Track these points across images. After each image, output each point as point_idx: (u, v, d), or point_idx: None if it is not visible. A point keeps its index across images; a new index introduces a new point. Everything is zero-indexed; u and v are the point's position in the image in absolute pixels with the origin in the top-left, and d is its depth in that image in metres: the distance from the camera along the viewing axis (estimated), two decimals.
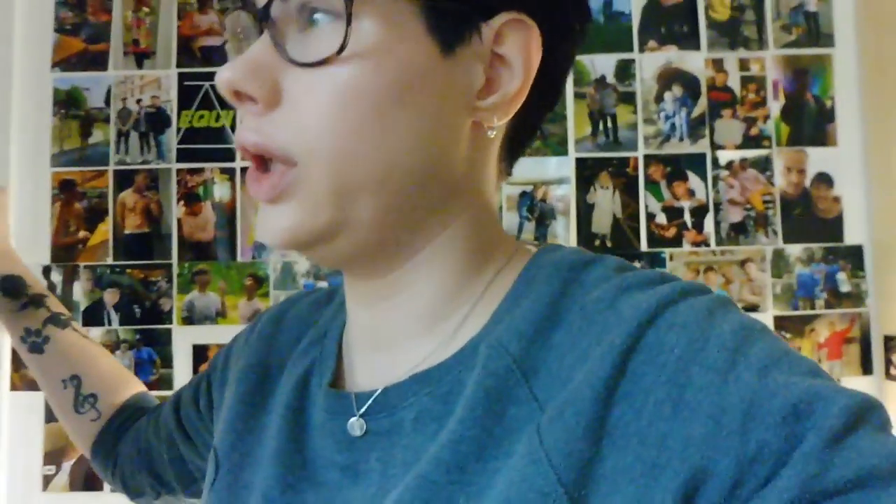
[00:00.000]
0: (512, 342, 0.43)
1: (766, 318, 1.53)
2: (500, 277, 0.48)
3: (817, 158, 1.56)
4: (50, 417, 1.54)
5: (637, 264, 1.56)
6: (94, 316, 1.58)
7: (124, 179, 1.61)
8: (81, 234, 1.62)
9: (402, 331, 0.48)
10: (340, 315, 0.56)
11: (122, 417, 0.77)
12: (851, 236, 1.56)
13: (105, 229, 1.61)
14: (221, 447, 0.55)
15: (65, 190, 1.62)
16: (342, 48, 0.40)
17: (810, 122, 1.57)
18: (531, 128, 0.51)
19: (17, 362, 1.56)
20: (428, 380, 0.45)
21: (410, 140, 0.42)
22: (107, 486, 1.51)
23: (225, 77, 0.42)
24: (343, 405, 0.48)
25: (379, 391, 0.46)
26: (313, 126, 0.41)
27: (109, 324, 1.58)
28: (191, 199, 1.61)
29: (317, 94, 0.41)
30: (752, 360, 0.36)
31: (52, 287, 1.57)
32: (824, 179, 1.55)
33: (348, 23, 0.40)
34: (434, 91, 0.42)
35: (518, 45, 0.44)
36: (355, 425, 0.47)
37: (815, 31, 1.58)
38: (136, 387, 0.80)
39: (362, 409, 0.47)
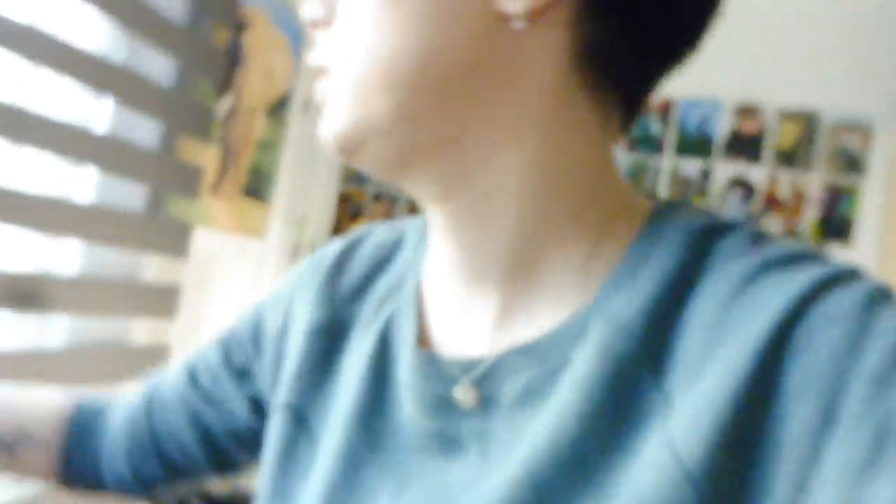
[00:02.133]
0: (636, 322, 0.37)
1: None
2: (609, 233, 0.41)
3: (839, 256, 2.11)
4: None
5: None
6: None
7: (376, 199, 2.53)
8: None
9: (489, 270, 0.43)
10: (417, 260, 0.51)
11: (78, 432, 0.64)
12: None
13: None
14: (296, 403, 0.51)
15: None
16: None
17: (835, 228, 2.13)
18: (632, 47, 0.40)
19: None
20: (534, 352, 0.41)
21: (411, 29, 0.38)
22: None
23: (306, 11, 0.44)
24: (439, 370, 0.44)
25: (493, 359, 0.42)
26: (334, 33, 0.42)
27: None
28: None
29: (342, 5, 0.41)
30: None
31: None
32: None
33: None
34: None
35: None
36: (468, 394, 0.42)
37: (853, 167, 2.15)
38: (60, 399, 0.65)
39: (471, 378, 0.42)
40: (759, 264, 0.36)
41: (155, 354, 1.29)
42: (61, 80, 0.97)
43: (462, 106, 0.40)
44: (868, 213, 2.12)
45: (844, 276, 0.35)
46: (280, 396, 0.52)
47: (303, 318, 0.54)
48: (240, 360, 0.60)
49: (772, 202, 2.20)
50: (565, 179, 0.41)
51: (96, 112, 1.22)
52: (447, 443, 0.43)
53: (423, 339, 0.47)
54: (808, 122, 2.19)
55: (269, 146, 1.98)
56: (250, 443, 0.60)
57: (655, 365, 0.37)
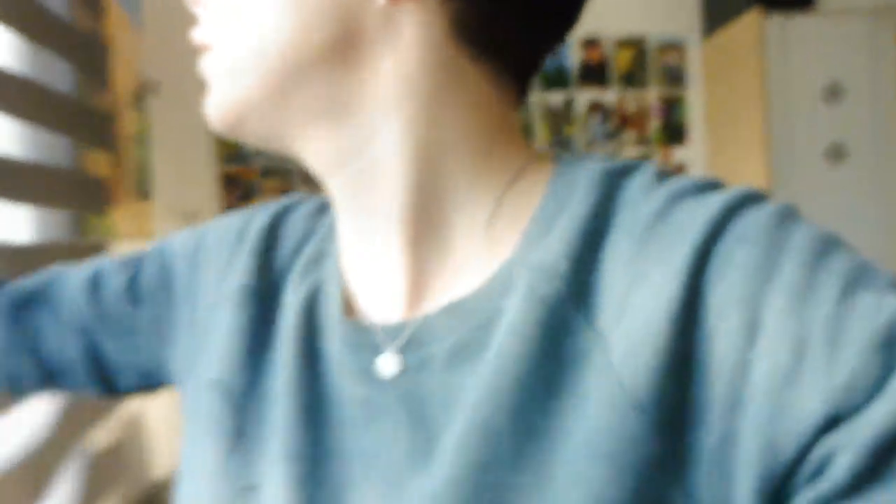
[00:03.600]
0: (559, 265, 0.38)
1: None
2: (513, 191, 0.42)
3: (678, 153, 2.70)
4: None
5: None
6: None
7: (266, 174, 2.62)
8: None
9: (391, 236, 0.43)
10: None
11: None
12: None
13: None
14: (231, 382, 0.47)
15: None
16: None
17: (674, 133, 2.70)
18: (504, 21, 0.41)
19: None
20: (461, 311, 0.41)
21: (282, 7, 0.40)
22: None
23: None
24: (364, 338, 0.43)
25: (416, 324, 0.42)
26: (213, 10, 0.43)
27: None
28: None
29: None
30: (833, 278, 0.32)
31: None
32: (682, 166, 2.70)
33: None
34: None
35: None
36: (390, 362, 0.42)
37: (678, 79, 2.69)
38: None
39: (394, 345, 0.42)
40: (668, 196, 0.38)
41: None
42: None
43: (337, 81, 0.41)
44: (694, 117, 2.70)
45: (752, 198, 0.36)
46: (207, 370, 0.49)
47: (229, 286, 0.50)
48: (145, 294, 0.56)
49: (623, 119, 2.69)
50: (455, 147, 0.42)
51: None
52: (379, 411, 0.42)
53: (348, 309, 0.46)
54: (638, 47, 2.67)
55: (141, 139, 1.90)
56: (142, 378, 0.59)
57: (583, 304, 0.37)
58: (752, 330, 0.32)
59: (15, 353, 0.58)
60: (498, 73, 0.42)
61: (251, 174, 2.56)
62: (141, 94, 1.86)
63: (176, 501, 0.51)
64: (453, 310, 0.41)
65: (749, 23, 2.32)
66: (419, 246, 0.43)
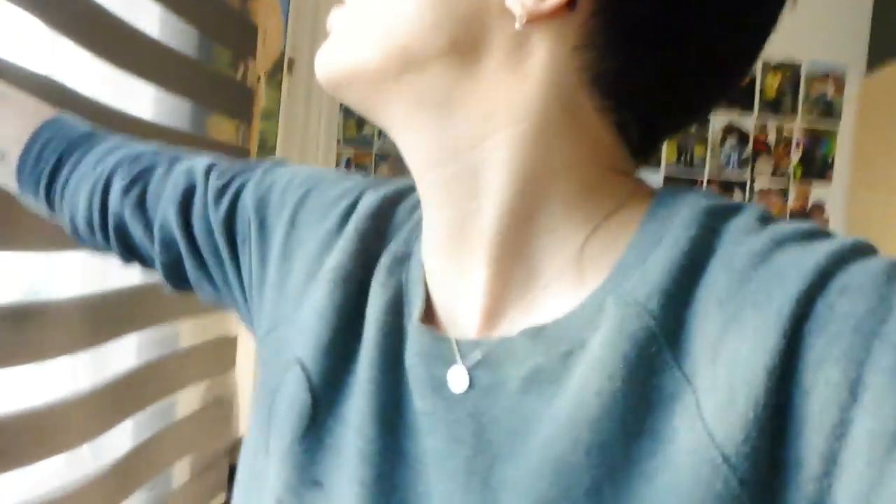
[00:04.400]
0: (651, 299, 0.36)
1: None
2: (616, 218, 0.40)
3: (818, 192, 2.48)
4: None
5: None
6: None
7: (381, 159, 2.64)
8: None
9: (478, 249, 0.42)
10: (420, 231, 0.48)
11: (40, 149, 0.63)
12: None
13: None
14: (313, 367, 0.46)
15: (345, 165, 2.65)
16: None
17: (817, 169, 2.49)
18: (655, 80, 0.39)
19: None
20: (543, 337, 0.39)
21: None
22: None
23: None
24: (438, 349, 0.42)
25: (492, 344, 0.40)
26: None
27: None
28: None
29: None
30: None
31: None
32: (820, 207, 2.49)
33: None
34: None
35: None
36: (457, 377, 0.40)
37: (828, 110, 2.48)
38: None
39: (468, 361, 0.40)
40: (771, 239, 0.35)
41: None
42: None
43: (454, 81, 0.40)
44: (841, 154, 2.48)
45: (860, 250, 0.34)
46: (293, 345, 0.48)
47: (330, 263, 0.49)
48: (238, 229, 0.57)
49: (761, 147, 2.50)
50: (559, 176, 0.40)
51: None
52: (443, 427, 0.40)
53: (426, 316, 0.45)
54: (790, 72, 2.48)
55: (269, 115, 1.92)
56: (208, 290, 0.61)
57: (674, 343, 0.35)
58: (854, 388, 0.30)
59: (103, 209, 0.61)
60: (622, 127, 0.41)
61: (366, 157, 2.60)
62: (274, 71, 1.92)
63: (240, 470, 0.51)
64: (535, 335, 0.39)
65: None
66: (505, 266, 0.42)
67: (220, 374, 1.40)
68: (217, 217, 0.57)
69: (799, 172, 2.49)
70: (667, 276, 0.36)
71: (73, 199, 0.63)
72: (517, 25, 0.38)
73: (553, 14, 0.38)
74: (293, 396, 0.46)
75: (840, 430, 0.30)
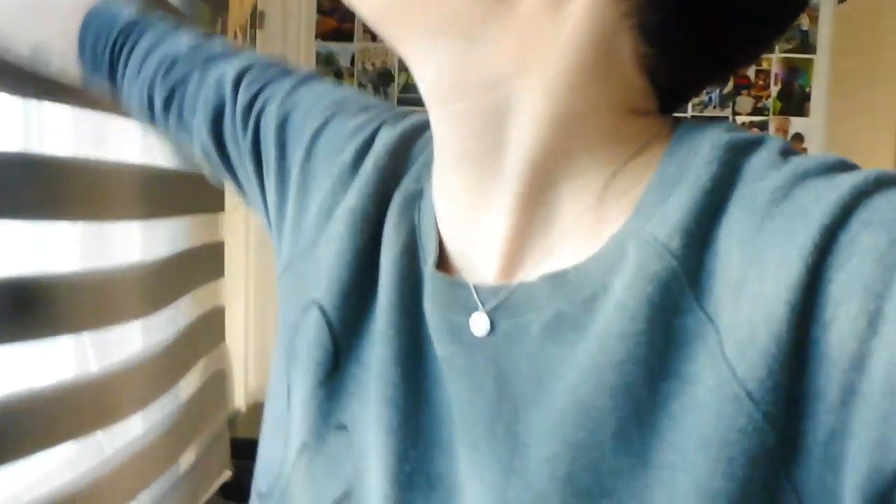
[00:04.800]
0: (672, 239, 0.35)
1: None
2: (638, 159, 0.39)
3: (797, 124, 2.50)
4: None
5: None
6: None
7: None
8: None
9: (498, 189, 0.41)
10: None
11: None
12: None
13: None
14: (333, 312, 0.46)
15: None
16: None
17: (795, 102, 2.50)
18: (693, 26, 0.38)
19: None
20: (564, 282, 0.38)
21: None
22: None
23: None
24: (456, 296, 0.41)
25: (512, 289, 0.40)
26: None
27: None
28: None
29: None
30: None
31: None
32: (798, 137, 2.50)
33: None
34: None
35: None
36: (478, 322, 0.40)
37: (805, 42, 2.49)
38: None
39: (487, 307, 0.40)
40: (793, 174, 0.35)
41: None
42: None
43: (489, 9, 0.38)
44: (818, 83, 2.50)
45: (885, 182, 0.33)
46: (313, 286, 0.48)
47: (349, 200, 0.49)
48: (262, 137, 0.57)
49: (742, 81, 2.51)
50: (587, 119, 0.39)
51: None
52: (463, 373, 0.40)
53: (442, 263, 0.44)
54: None
55: None
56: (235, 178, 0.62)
57: (696, 284, 0.35)
58: (874, 320, 0.30)
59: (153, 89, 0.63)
60: (658, 75, 0.39)
61: None
62: (251, 26, 1.88)
63: (265, 418, 0.51)
64: (556, 280, 0.39)
65: None
66: (526, 212, 0.41)
67: (214, 348, 1.37)
68: (245, 143, 0.57)
69: (778, 106, 2.51)
70: (688, 215, 0.35)
71: (130, 101, 0.66)
72: None
73: None
74: (313, 341, 0.46)
75: (859, 362, 0.30)
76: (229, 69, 0.60)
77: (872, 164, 2.17)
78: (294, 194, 0.53)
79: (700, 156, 0.37)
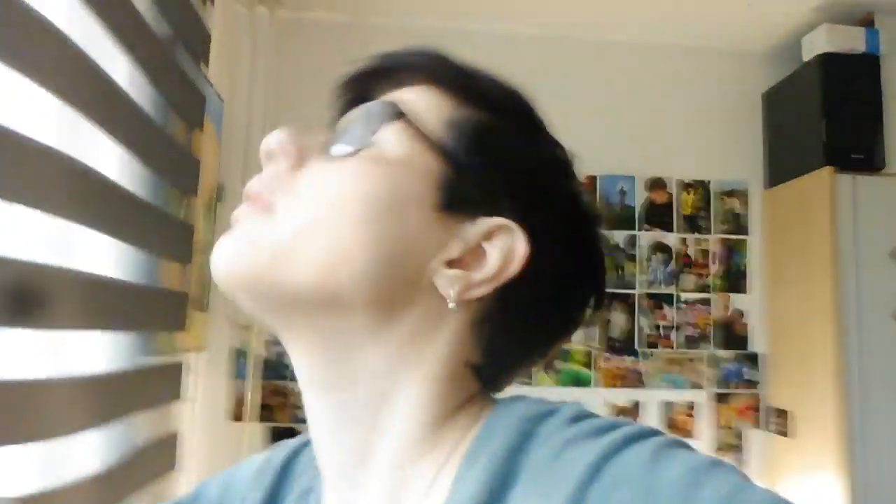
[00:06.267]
0: None
1: (704, 395, 2.57)
2: (468, 434, 0.45)
3: (737, 300, 2.65)
4: None
5: (636, 359, 2.45)
6: None
7: None
8: None
9: (376, 464, 0.45)
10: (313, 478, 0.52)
11: None
12: (754, 347, 2.64)
13: None
14: None
15: None
16: (357, 151, 0.44)
17: (733, 278, 2.67)
18: (518, 344, 0.48)
19: None
20: None
21: (372, 247, 0.41)
22: None
23: (275, 135, 0.45)
24: None
25: None
26: (295, 183, 0.44)
27: None
28: None
29: (324, 178, 0.44)
30: None
31: None
32: (740, 313, 2.64)
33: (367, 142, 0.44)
34: (411, 226, 0.43)
35: (502, 252, 0.44)
36: None
37: (738, 224, 2.69)
38: None
39: None
40: (565, 440, 0.39)
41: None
42: None
43: (372, 330, 0.44)
44: (754, 264, 2.67)
45: (637, 437, 0.38)
46: None
47: None
48: None
49: (686, 260, 2.67)
50: (438, 422, 0.45)
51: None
52: None
53: None
54: (701, 189, 2.69)
55: (207, 247, 1.78)
56: None
57: None
58: None
59: None
60: (484, 385, 0.48)
61: None
62: (210, 201, 1.86)
63: None
64: None
65: (819, 177, 2.33)
66: (394, 488, 0.45)
67: (164, 475, 1.31)
68: None
69: (718, 284, 2.67)
70: (481, 486, 0.40)
71: None
72: (451, 304, 0.44)
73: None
74: None
75: None
76: None
77: (812, 335, 2.29)
78: None
79: (501, 428, 0.43)
